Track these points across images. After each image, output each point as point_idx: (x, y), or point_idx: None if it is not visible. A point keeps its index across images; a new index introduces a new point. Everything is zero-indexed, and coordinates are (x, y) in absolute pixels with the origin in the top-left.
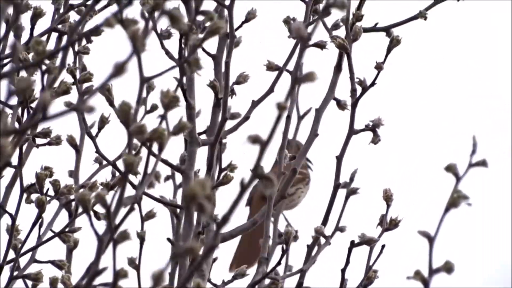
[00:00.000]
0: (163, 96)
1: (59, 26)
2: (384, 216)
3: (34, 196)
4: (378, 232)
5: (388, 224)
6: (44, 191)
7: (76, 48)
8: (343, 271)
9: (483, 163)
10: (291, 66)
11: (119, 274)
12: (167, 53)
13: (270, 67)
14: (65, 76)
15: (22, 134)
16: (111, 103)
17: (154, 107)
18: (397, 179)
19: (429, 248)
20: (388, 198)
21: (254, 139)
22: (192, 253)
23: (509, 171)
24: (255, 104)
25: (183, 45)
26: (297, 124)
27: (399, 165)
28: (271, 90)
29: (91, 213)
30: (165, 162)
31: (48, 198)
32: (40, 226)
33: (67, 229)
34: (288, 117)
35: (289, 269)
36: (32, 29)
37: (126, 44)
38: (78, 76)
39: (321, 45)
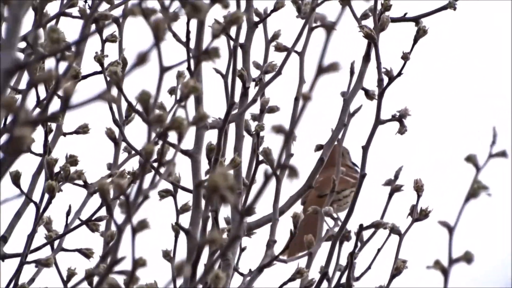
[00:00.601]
0: (183, 86)
1: (68, 10)
2: (414, 206)
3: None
4: (408, 223)
5: (418, 215)
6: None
7: (104, 36)
8: (351, 254)
9: (503, 154)
10: (299, 47)
11: (137, 263)
12: (174, 35)
13: (278, 48)
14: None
15: (43, 124)
16: (119, 87)
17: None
18: (423, 169)
19: (448, 238)
20: (419, 188)
21: (278, 129)
22: (214, 244)
23: None
24: (263, 86)
25: (190, 29)
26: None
27: (425, 155)
28: (279, 72)
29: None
30: (172, 145)
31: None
32: (68, 215)
33: (94, 218)
34: (296, 100)
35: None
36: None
37: (137, 33)
38: (105, 65)
39: (328, 26)
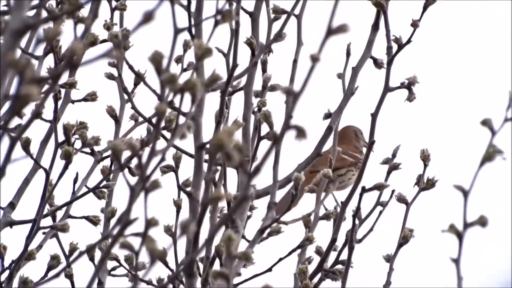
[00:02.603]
0: (196, 48)
1: None
2: (421, 176)
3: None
4: (415, 192)
5: (425, 184)
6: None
7: (113, 4)
8: (354, 216)
9: None
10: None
11: (150, 223)
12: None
13: (276, 11)
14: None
15: (51, 83)
16: (119, 48)
17: (189, 66)
18: (432, 137)
19: (463, 202)
20: (425, 158)
21: (288, 91)
22: (216, 202)
23: None
24: (263, 49)
25: None
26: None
27: (434, 122)
28: (278, 35)
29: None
30: (174, 108)
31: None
32: (75, 182)
33: (101, 185)
34: (295, 62)
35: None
36: None
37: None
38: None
39: None
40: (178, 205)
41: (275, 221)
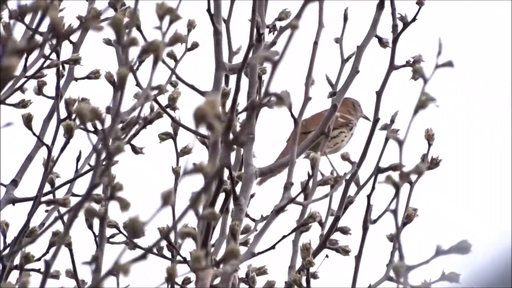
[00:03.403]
0: (158, 8)
1: None
2: (425, 155)
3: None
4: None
5: (429, 163)
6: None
7: None
8: (368, 197)
9: (449, 64)
10: None
11: (114, 188)
12: None
13: None
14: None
15: (28, 53)
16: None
17: (194, 45)
18: (438, 116)
19: (399, 151)
20: (429, 137)
21: (267, 58)
22: (202, 172)
23: None
24: (282, 30)
25: None
26: (341, 67)
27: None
28: (298, 16)
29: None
30: (192, 87)
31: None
32: (78, 160)
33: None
34: (316, 43)
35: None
36: None
37: None
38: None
39: None
40: (176, 172)
41: (291, 201)
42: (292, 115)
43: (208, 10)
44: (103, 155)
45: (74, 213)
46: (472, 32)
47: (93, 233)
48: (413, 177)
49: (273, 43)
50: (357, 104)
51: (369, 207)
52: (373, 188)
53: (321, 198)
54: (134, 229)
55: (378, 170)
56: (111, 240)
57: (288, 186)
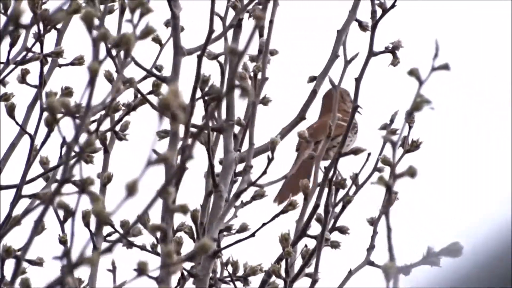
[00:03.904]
0: (129, 1)
1: None
2: (405, 138)
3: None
4: (399, 154)
5: (410, 146)
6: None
7: None
8: (330, 181)
9: (445, 67)
10: None
11: (86, 182)
12: None
13: None
14: None
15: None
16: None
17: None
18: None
19: (392, 153)
20: (410, 120)
21: (231, 51)
22: (166, 162)
23: None
24: (239, 11)
25: None
26: (344, 68)
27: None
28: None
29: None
30: (150, 72)
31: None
32: (62, 147)
33: (88, 149)
34: (271, 22)
35: None
36: None
37: None
38: None
39: None
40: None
41: (251, 185)
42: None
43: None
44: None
45: (45, 207)
46: (469, 31)
47: (90, 231)
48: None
49: (231, 25)
50: (345, 94)
51: (330, 191)
52: (334, 171)
53: (278, 180)
54: (100, 219)
55: (339, 155)
56: (107, 238)
57: (247, 169)
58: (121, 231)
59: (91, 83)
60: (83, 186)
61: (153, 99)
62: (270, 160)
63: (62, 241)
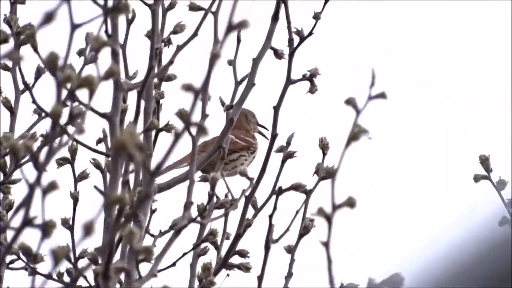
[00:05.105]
0: (93, 41)
1: None
2: (320, 164)
3: None
4: (314, 181)
5: (325, 173)
6: None
7: None
8: (270, 217)
9: (382, 95)
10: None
11: (48, 225)
12: None
13: (193, 7)
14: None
15: None
16: (35, 49)
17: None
18: (334, 127)
19: (331, 185)
20: (324, 146)
21: (188, 87)
22: (121, 203)
23: None
24: (179, 48)
25: None
26: (234, 90)
27: (337, 114)
28: (195, 34)
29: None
30: (91, 109)
31: None
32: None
33: (7, 180)
34: (214, 56)
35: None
36: None
37: None
38: (15, 28)
39: None
40: (75, 198)
41: (192, 221)
42: (190, 133)
43: (106, 32)
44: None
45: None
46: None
47: None
48: (309, 187)
49: (171, 62)
50: (250, 115)
51: (270, 227)
52: (274, 208)
53: (220, 216)
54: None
55: (279, 190)
56: (10, 266)
57: (188, 205)
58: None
59: (53, 127)
60: (44, 228)
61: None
62: (210, 197)
63: None
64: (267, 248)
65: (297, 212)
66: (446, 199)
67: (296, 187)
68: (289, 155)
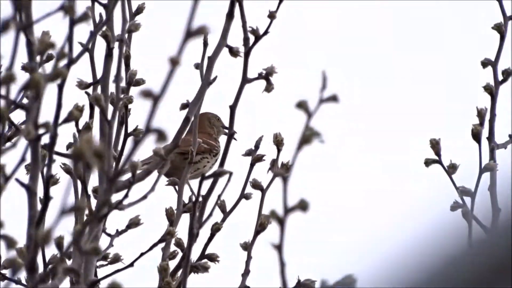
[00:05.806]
0: (39, 43)
1: None
2: (275, 160)
3: None
4: (269, 177)
5: (280, 169)
6: None
7: None
8: (194, 203)
9: (333, 98)
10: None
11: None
12: None
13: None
14: None
15: None
16: None
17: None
18: (291, 124)
19: (283, 187)
20: (279, 143)
21: (147, 94)
22: (79, 211)
23: None
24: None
25: None
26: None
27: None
28: (132, 25)
29: None
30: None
31: None
32: None
33: None
34: (121, 41)
35: None
36: None
37: None
38: None
39: None
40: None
41: (114, 208)
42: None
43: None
44: None
45: None
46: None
47: None
48: (264, 184)
49: (109, 55)
50: (214, 119)
51: (194, 214)
52: (198, 195)
53: (139, 200)
54: None
55: (202, 177)
56: None
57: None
58: None
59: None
60: None
61: None
62: (130, 184)
63: None
64: (191, 236)
65: (219, 196)
66: (398, 189)
67: (218, 174)
68: (257, 159)
